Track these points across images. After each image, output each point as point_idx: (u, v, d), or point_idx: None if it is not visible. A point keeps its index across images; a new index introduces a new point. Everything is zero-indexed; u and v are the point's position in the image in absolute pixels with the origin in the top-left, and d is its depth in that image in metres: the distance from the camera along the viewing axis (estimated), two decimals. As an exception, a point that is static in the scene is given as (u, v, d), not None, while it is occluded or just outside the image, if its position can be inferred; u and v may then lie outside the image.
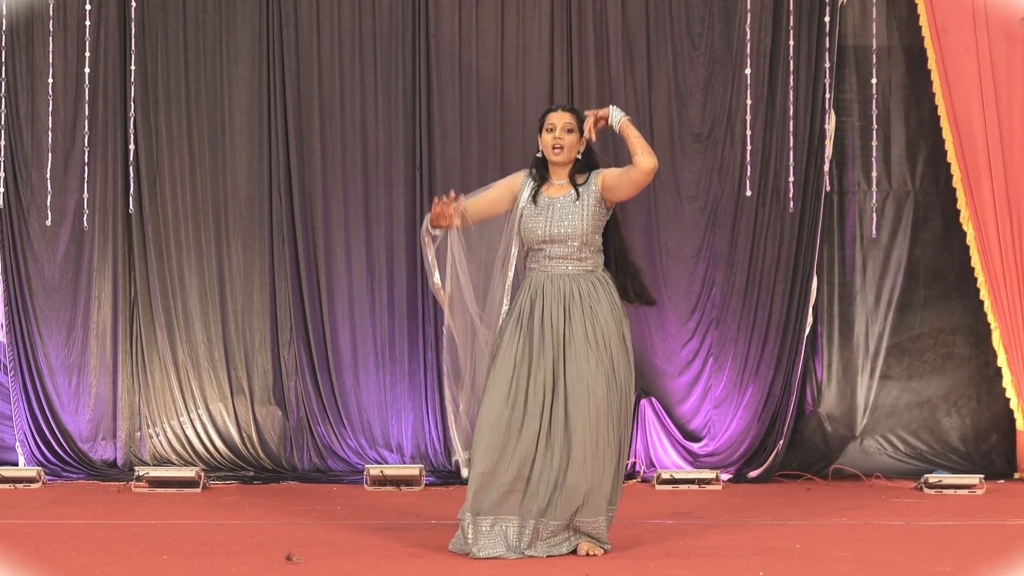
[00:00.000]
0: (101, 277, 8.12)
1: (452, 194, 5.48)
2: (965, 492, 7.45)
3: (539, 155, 5.55)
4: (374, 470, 7.65)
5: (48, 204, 8.00)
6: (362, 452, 8.04)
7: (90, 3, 7.94)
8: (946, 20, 7.84)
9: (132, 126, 8.07)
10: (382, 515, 6.61)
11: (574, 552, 5.38)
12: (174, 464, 8.04)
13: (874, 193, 8.11)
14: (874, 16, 8.04)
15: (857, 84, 8.15)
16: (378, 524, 6.29)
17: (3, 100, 8.06)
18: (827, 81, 7.99)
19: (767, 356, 8.05)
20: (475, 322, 5.55)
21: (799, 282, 8.06)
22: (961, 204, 7.90)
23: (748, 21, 7.98)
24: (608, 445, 5.34)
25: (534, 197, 5.49)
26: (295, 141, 8.09)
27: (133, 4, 8.00)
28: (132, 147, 8.08)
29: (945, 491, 7.47)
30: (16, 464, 8.01)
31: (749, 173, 7.99)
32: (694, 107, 8.13)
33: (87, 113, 8.03)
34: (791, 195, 7.99)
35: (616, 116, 5.45)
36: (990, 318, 7.91)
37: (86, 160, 8.04)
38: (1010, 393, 7.94)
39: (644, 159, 5.38)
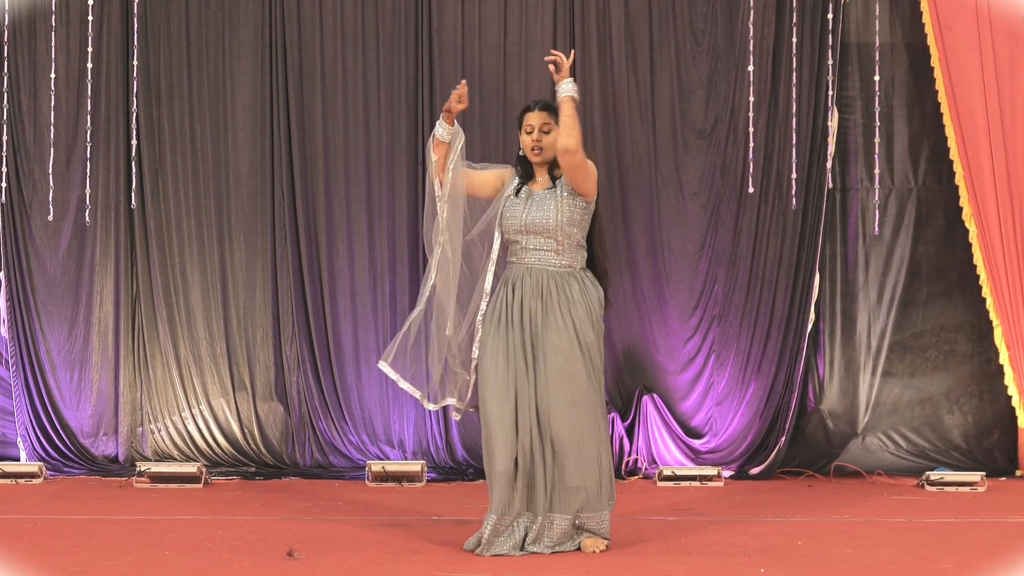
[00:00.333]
0: (103, 272, 8.13)
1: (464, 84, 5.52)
2: (967, 489, 7.45)
3: (521, 153, 5.56)
4: (376, 466, 7.65)
5: (50, 199, 8.01)
6: (364, 448, 8.05)
7: (92, -2, 7.97)
8: (949, 17, 7.84)
9: (134, 121, 8.08)
10: (384, 511, 6.61)
11: (578, 549, 5.38)
12: (176, 460, 8.04)
13: (876, 190, 8.10)
14: (877, 13, 8.04)
15: (860, 81, 8.15)
16: (380, 520, 6.30)
17: (5, 95, 8.07)
18: (830, 78, 7.99)
19: (769, 353, 8.05)
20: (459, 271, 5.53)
21: (801, 279, 8.05)
22: (963, 201, 7.89)
23: (751, 18, 7.97)
24: (597, 441, 5.36)
25: (517, 191, 5.51)
26: (297, 137, 8.09)
27: (136, -1, 8.03)
28: (134, 142, 8.08)
29: (947, 488, 7.47)
30: (17, 459, 8.02)
31: (752, 170, 7.99)
32: (697, 104, 8.12)
33: (89, 108, 8.04)
34: (794, 192, 7.99)
35: (561, 89, 5.37)
36: (992, 315, 7.91)
37: (88, 155, 8.04)
38: (1012, 390, 7.93)
39: (560, 142, 5.34)
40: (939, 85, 7.88)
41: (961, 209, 7.92)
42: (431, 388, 5.63)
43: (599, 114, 8.09)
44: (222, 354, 8.13)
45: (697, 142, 8.13)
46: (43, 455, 8.00)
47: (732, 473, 7.94)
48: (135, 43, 8.05)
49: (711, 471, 7.68)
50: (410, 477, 7.62)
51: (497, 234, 5.53)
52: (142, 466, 7.60)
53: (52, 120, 8.02)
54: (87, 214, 8.04)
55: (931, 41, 7.88)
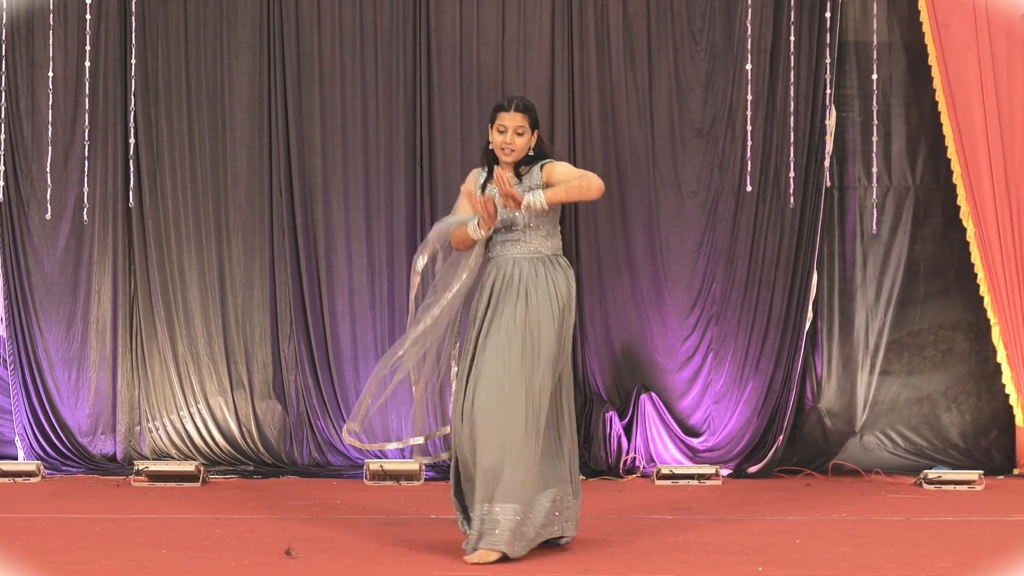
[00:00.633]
0: (101, 271, 8.12)
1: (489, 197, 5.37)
2: (964, 488, 7.45)
3: (490, 148, 5.48)
4: (374, 465, 7.65)
5: (48, 198, 8.00)
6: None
7: (90, -3, 7.96)
8: (947, 16, 7.84)
9: (132, 120, 8.07)
10: (381, 510, 6.61)
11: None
12: (174, 458, 8.04)
13: (874, 189, 8.11)
14: (875, 12, 8.04)
15: (858, 80, 8.15)
16: (377, 519, 6.29)
17: (3, 94, 8.06)
18: (828, 77, 7.99)
19: (767, 352, 8.05)
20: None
21: (799, 278, 8.06)
22: (961, 200, 7.90)
23: (749, 16, 7.98)
24: (520, 428, 5.16)
25: (484, 186, 5.48)
26: (295, 135, 8.09)
27: (133, -2, 8.03)
28: (132, 141, 8.08)
29: (944, 487, 7.47)
30: (15, 458, 8.01)
31: (750, 169, 8.00)
32: (695, 102, 8.13)
33: (87, 107, 8.03)
34: (791, 191, 7.99)
35: (533, 202, 5.24)
36: (990, 314, 7.91)
37: (86, 154, 8.04)
38: (1010, 389, 7.94)
39: (591, 194, 5.30)
40: (937, 84, 7.88)
41: (959, 208, 7.92)
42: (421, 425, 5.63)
43: (597, 113, 8.09)
44: (220, 352, 8.13)
45: (695, 141, 8.13)
46: (41, 454, 8.00)
47: (730, 472, 7.94)
48: (133, 42, 8.05)
49: (709, 470, 7.68)
50: (408, 476, 7.63)
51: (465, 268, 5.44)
52: (140, 465, 7.59)
53: (50, 119, 8.01)
54: (85, 213, 8.03)
55: (929, 40, 7.88)
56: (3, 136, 8.04)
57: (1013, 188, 7.83)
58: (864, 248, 8.20)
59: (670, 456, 8.02)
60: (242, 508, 6.69)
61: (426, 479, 7.69)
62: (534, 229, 5.39)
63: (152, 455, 8.10)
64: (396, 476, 7.62)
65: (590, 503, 6.76)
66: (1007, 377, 7.93)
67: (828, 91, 7.99)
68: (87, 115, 8.03)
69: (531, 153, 5.44)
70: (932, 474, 7.55)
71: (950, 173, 7.94)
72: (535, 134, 5.43)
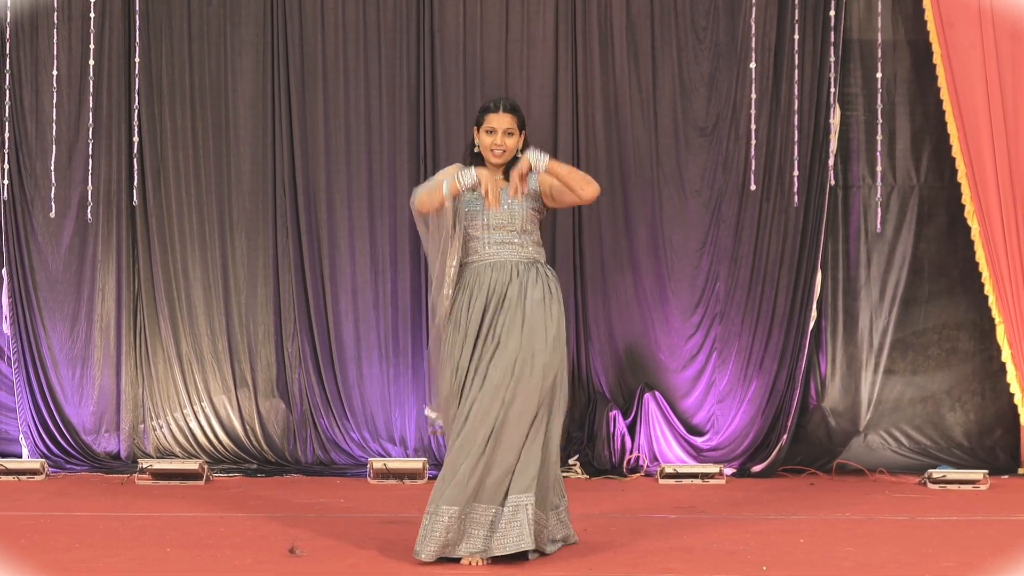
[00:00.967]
0: (105, 269, 8.13)
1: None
2: (969, 487, 7.44)
3: (476, 150, 5.37)
4: (377, 463, 7.65)
5: (52, 196, 8.01)
6: (365, 445, 8.05)
7: (94, -5, 7.97)
8: (952, 14, 7.83)
9: (136, 118, 8.08)
10: (385, 508, 6.61)
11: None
12: (177, 457, 8.04)
13: (879, 188, 8.10)
14: (879, 10, 8.03)
15: (862, 78, 8.14)
16: (381, 517, 6.29)
17: (8, 92, 8.06)
18: (832, 75, 7.98)
19: (771, 351, 8.05)
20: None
21: (803, 277, 8.05)
22: (966, 199, 7.89)
23: (753, 15, 7.97)
24: (486, 430, 5.12)
25: (473, 187, 5.39)
26: (299, 133, 8.09)
27: (137, -4, 8.03)
28: (136, 139, 8.08)
29: (949, 486, 7.46)
30: (20, 456, 8.02)
31: (753, 167, 7.99)
32: (699, 101, 8.12)
33: (91, 105, 8.04)
34: (795, 189, 7.99)
35: (538, 160, 5.20)
36: (994, 313, 7.90)
37: (90, 152, 8.05)
38: (1014, 388, 7.93)
39: (585, 191, 5.25)
40: (941, 82, 7.88)
41: (963, 207, 7.92)
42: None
43: (600, 112, 8.09)
44: (224, 351, 8.14)
45: (699, 140, 8.13)
46: (45, 452, 8.00)
47: (734, 471, 7.94)
48: (137, 40, 8.05)
49: (713, 469, 7.68)
50: (412, 474, 7.63)
51: (457, 241, 5.34)
52: (144, 463, 7.60)
53: (54, 117, 8.02)
54: (89, 211, 8.04)
55: (933, 38, 7.87)
56: (7, 134, 8.05)
57: (1018, 187, 7.82)
58: (868, 247, 8.19)
59: (674, 455, 8.02)
60: (246, 506, 6.69)
61: (429, 477, 7.69)
62: (528, 233, 5.37)
63: (156, 453, 8.10)
64: (399, 475, 7.62)
65: (594, 502, 6.77)
66: (1012, 376, 7.92)
67: (832, 90, 7.99)
68: (91, 113, 8.04)
69: (519, 155, 5.38)
70: (936, 473, 7.54)
71: (954, 172, 7.94)
72: (523, 135, 5.39)
